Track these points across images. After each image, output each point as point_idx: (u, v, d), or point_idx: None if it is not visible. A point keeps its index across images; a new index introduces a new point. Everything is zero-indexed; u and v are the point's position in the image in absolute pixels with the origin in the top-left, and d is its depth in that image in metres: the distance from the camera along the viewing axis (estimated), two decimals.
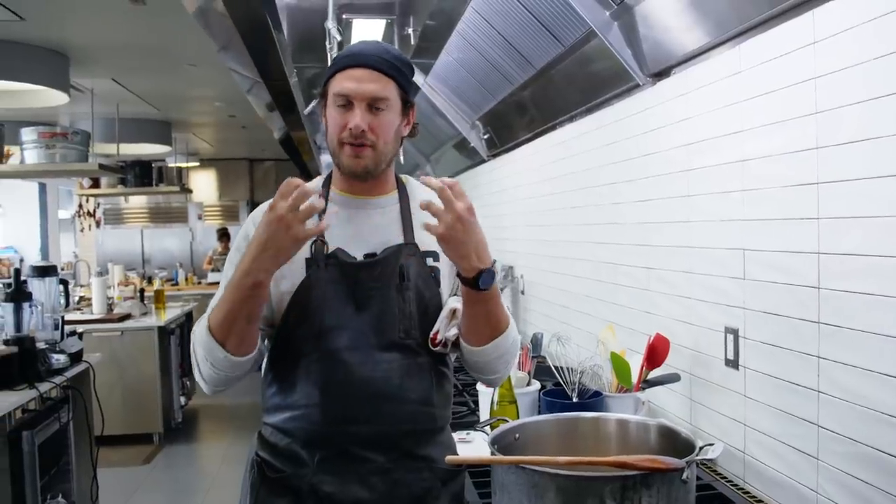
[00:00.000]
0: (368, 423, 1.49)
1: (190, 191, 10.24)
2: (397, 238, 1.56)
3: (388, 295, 1.51)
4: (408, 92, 1.55)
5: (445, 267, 1.59)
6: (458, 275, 1.44)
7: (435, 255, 1.57)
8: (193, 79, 6.05)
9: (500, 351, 1.54)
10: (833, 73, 1.49)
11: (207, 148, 10.71)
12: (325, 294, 1.49)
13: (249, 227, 1.55)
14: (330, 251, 1.51)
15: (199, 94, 6.84)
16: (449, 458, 1.33)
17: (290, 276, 1.50)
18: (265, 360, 1.60)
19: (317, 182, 1.64)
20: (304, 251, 1.48)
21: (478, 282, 1.40)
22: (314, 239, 1.49)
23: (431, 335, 1.53)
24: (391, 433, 1.51)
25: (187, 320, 6.86)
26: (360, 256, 1.53)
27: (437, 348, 1.54)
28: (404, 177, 1.68)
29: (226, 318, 1.41)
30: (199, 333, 1.46)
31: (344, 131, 1.48)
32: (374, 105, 1.48)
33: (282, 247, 1.35)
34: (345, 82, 1.48)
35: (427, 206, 1.35)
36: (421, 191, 1.65)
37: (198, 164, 11.59)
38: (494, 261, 1.45)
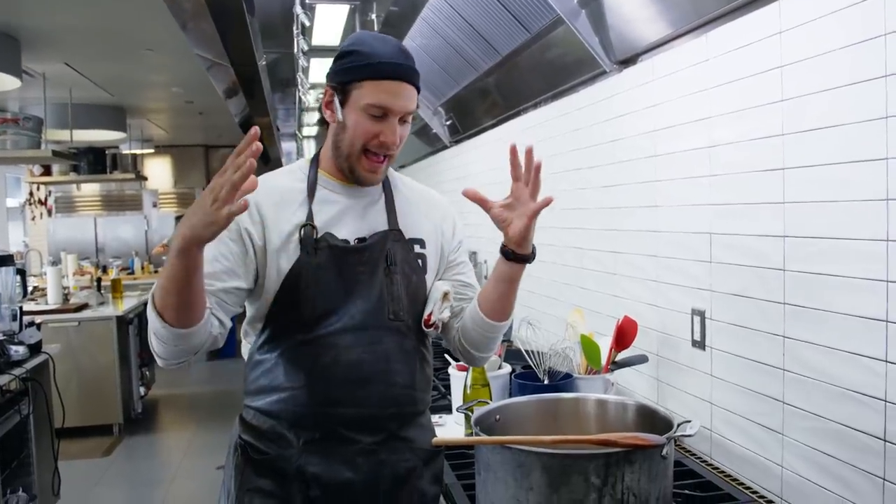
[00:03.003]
0: (355, 405, 1.52)
1: (145, 178, 10.07)
2: (383, 225, 1.59)
3: (375, 278, 1.54)
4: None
5: (431, 254, 1.63)
6: (511, 255, 1.53)
7: (421, 243, 1.61)
8: (150, 64, 5.93)
9: (502, 332, 1.67)
10: (798, 62, 1.54)
11: (163, 134, 10.52)
12: (317, 279, 1.49)
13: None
14: (319, 235, 1.52)
15: (155, 80, 6.71)
16: (435, 439, 1.36)
17: (286, 257, 1.51)
18: (253, 343, 1.60)
19: (303, 164, 1.64)
20: (295, 234, 1.50)
21: (529, 258, 1.55)
22: (304, 224, 1.50)
23: (425, 317, 1.57)
24: (377, 415, 1.54)
25: (145, 309, 6.75)
26: (349, 240, 1.55)
27: (430, 330, 1.58)
28: None
29: (162, 288, 1.36)
30: (149, 306, 1.42)
31: (374, 140, 1.49)
32: (403, 119, 1.51)
33: (203, 221, 1.25)
34: (384, 94, 1.47)
35: (538, 169, 1.46)
36: (400, 182, 1.70)
37: (153, 150, 11.38)
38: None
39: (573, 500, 1.17)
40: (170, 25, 3.49)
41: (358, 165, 1.53)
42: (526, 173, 1.46)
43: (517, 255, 1.53)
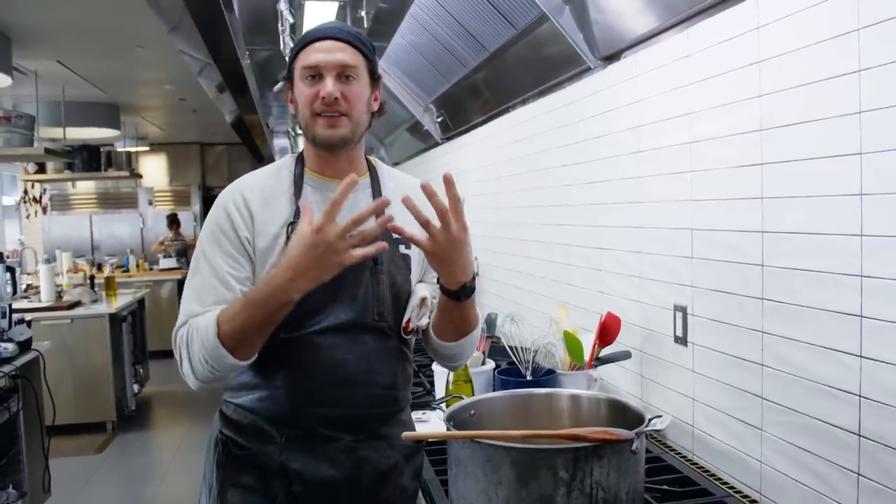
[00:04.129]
0: (338, 406, 1.51)
1: (140, 176, 10.07)
2: (369, 222, 1.56)
3: (361, 278, 1.52)
4: (374, 65, 1.56)
5: (415, 253, 1.61)
6: (441, 286, 1.47)
7: (406, 243, 1.58)
8: (142, 61, 5.93)
9: (468, 346, 1.62)
10: (776, 57, 1.54)
11: (157, 132, 10.51)
12: None
13: (230, 209, 1.52)
14: None
15: (148, 77, 6.70)
16: (406, 433, 1.35)
17: (273, 257, 1.49)
18: None
19: (287, 161, 1.62)
20: (282, 235, 1.49)
21: (458, 295, 1.45)
22: (291, 222, 1.49)
23: (403, 324, 1.56)
24: (359, 415, 1.53)
25: (139, 307, 6.76)
26: None
27: (409, 336, 1.58)
28: (373, 159, 1.67)
29: (243, 331, 1.38)
30: (204, 337, 1.40)
31: (316, 101, 1.47)
32: (344, 74, 1.48)
33: (326, 272, 1.32)
34: (313, 54, 1.48)
35: (425, 224, 1.35)
36: (388, 176, 1.67)
37: (147, 148, 11.36)
38: (475, 274, 1.49)
39: (542, 494, 1.17)
40: (159, 23, 3.48)
41: (315, 130, 1.50)
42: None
43: (444, 289, 1.47)
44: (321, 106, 1.47)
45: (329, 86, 1.46)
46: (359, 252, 1.31)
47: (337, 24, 1.53)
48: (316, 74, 1.48)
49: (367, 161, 1.65)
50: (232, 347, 1.39)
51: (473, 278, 1.46)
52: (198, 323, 1.43)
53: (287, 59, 1.61)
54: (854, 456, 1.37)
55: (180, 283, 8.14)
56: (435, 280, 1.62)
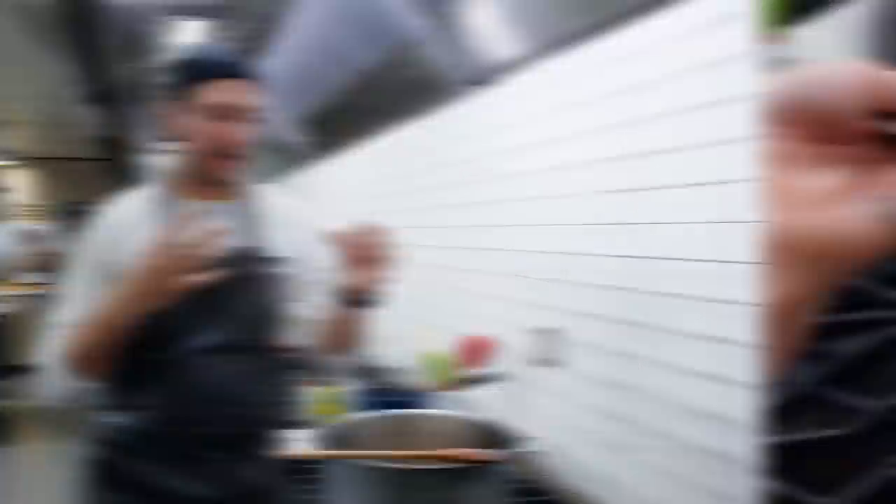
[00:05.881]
0: (212, 425, 1.49)
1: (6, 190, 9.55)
2: (247, 241, 1.54)
3: (238, 296, 1.50)
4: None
5: (293, 271, 1.59)
6: (340, 296, 1.48)
7: (283, 260, 1.57)
8: (4, 75, 5.61)
9: (349, 361, 1.67)
10: (644, 85, 1.60)
11: (24, 147, 10.00)
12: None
13: (93, 235, 1.50)
14: None
15: (11, 92, 6.35)
16: (282, 453, 1.35)
17: None
18: None
19: (154, 185, 1.58)
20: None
21: (360, 303, 1.48)
22: None
23: (282, 342, 1.55)
24: (234, 434, 1.52)
25: None
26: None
27: (287, 354, 1.58)
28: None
29: (88, 352, 1.40)
30: (54, 357, 1.42)
31: (220, 143, 1.46)
32: (250, 117, 1.48)
33: (162, 297, 1.34)
34: (227, 94, 1.45)
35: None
36: (263, 197, 1.64)
37: (14, 163, 10.78)
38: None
39: None
40: (20, 37, 3.33)
41: (213, 170, 1.52)
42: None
43: (356, 300, 1.51)
44: (226, 149, 1.47)
45: (244, 133, 1.47)
46: (195, 277, 1.33)
47: (241, 60, 1.53)
48: (225, 115, 1.45)
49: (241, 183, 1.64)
50: (79, 368, 1.41)
51: (376, 289, 1.49)
52: (50, 343, 1.44)
53: (166, 76, 1.54)
54: (723, 478, 1.37)
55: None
56: (318, 298, 1.62)
